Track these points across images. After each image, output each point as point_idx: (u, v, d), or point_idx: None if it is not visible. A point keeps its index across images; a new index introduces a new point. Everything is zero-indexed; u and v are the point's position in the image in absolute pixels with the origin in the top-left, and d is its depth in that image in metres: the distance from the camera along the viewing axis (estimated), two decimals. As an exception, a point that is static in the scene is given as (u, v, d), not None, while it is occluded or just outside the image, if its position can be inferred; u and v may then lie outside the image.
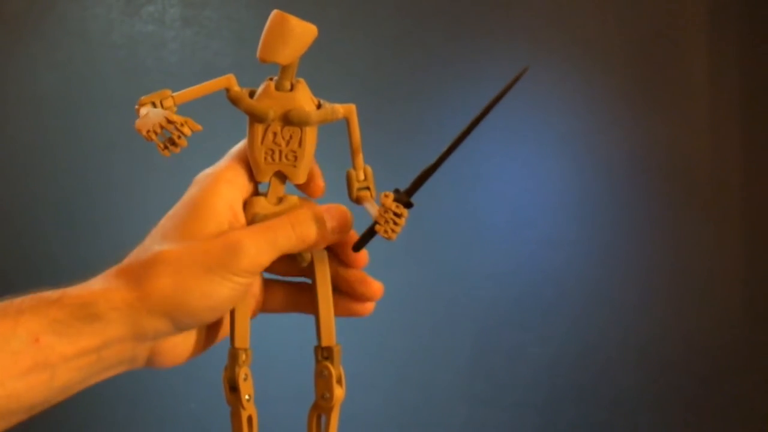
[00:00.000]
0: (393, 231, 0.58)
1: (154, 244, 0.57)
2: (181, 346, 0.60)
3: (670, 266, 1.53)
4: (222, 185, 0.59)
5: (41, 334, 0.53)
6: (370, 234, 0.60)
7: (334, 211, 0.61)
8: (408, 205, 0.58)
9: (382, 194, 0.59)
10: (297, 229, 0.59)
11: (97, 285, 0.55)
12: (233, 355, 0.62)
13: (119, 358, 0.56)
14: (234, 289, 0.56)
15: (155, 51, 1.47)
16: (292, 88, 0.60)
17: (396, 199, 0.59)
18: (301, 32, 0.57)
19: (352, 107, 0.62)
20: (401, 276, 1.51)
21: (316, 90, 0.62)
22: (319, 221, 0.60)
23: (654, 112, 1.52)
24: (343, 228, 0.62)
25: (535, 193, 1.51)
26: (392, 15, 1.49)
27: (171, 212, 0.59)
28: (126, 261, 0.57)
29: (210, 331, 0.62)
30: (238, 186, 0.60)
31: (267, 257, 0.57)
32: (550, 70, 1.50)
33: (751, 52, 1.51)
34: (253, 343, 0.62)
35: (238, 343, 0.62)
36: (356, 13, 1.48)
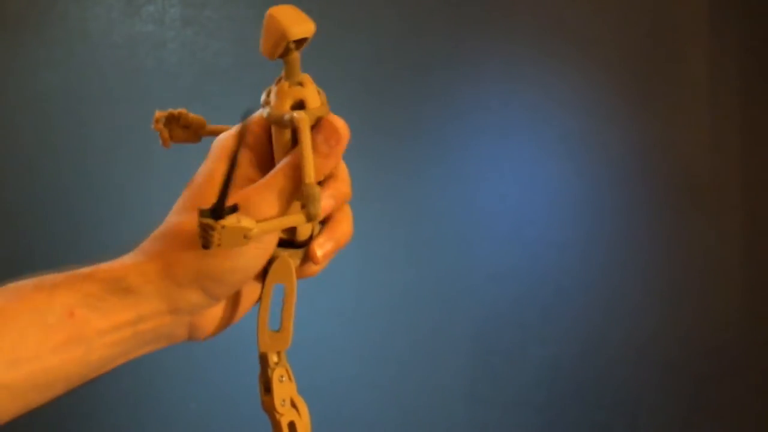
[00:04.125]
0: (210, 243, 0.54)
1: (172, 216, 0.57)
2: (218, 314, 0.59)
3: (669, 266, 1.53)
4: (225, 153, 0.58)
5: (76, 308, 0.53)
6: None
7: (327, 127, 0.58)
8: (223, 215, 0.53)
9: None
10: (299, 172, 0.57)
11: (128, 260, 0.55)
12: (261, 358, 0.59)
13: (157, 333, 0.56)
14: (255, 248, 0.55)
15: (155, 51, 1.48)
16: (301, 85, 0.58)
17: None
18: (277, 22, 0.55)
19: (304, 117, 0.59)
20: (401, 276, 1.51)
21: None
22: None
23: (654, 112, 1.52)
24: (330, 140, 0.58)
25: (535, 193, 1.52)
26: (392, 15, 1.49)
27: (189, 184, 0.58)
28: (151, 236, 0.57)
29: (244, 296, 0.60)
30: (250, 147, 0.59)
31: (277, 209, 0.56)
32: (550, 70, 1.50)
33: (751, 52, 1.51)
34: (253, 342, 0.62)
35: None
36: (356, 13, 1.48)
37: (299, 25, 0.55)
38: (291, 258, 0.60)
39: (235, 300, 0.59)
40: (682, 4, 1.51)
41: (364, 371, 1.51)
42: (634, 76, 1.52)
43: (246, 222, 0.53)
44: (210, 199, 0.53)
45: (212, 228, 0.52)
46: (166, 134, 0.60)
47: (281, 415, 0.58)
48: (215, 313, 0.58)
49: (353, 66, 1.47)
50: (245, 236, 0.53)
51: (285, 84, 0.58)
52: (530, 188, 1.51)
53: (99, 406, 1.46)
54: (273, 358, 0.59)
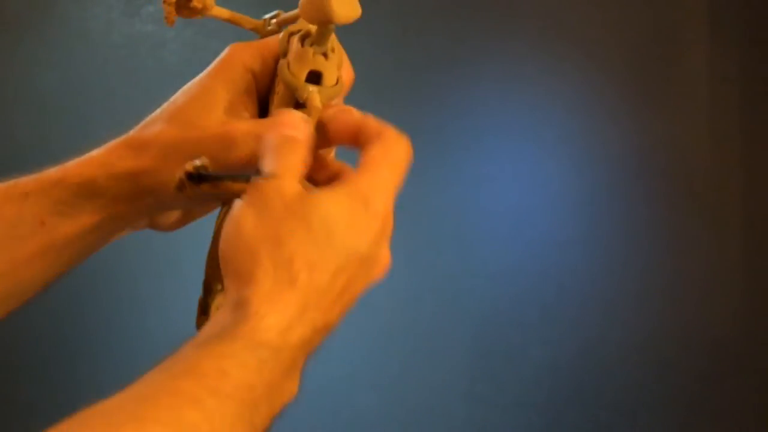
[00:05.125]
0: None
1: (156, 122, 0.56)
2: (176, 216, 0.59)
3: (669, 266, 1.53)
4: (228, 72, 0.57)
5: (46, 216, 0.54)
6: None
7: (339, 117, 0.55)
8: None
9: None
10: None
11: (98, 157, 0.56)
12: (206, 284, 0.59)
13: (120, 228, 0.57)
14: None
15: (155, 51, 1.47)
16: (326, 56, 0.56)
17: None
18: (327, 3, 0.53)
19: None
20: (401, 276, 1.51)
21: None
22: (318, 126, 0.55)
23: (654, 112, 1.52)
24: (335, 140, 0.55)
25: (535, 192, 1.52)
26: (392, 15, 1.49)
27: (180, 91, 0.57)
28: (131, 132, 0.56)
29: (201, 210, 0.61)
30: (255, 73, 0.58)
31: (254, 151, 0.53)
32: (550, 70, 1.50)
33: (751, 52, 1.51)
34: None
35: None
36: (356, 13, 1.48)
37: (348, 9, 0.54)
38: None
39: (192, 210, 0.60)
40: (682, 4, 1.51)
41: (364, 371, 1.51)
42: (634, 76, 1.52)
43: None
44: (195, 120, 0.53)
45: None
46: (172, 17, 0.60)
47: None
48: (174, 214, 0.59)
49: (353, 66, 1.47)
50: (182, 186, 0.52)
51: (309, 51, 0.56)
52: (530, 188, 1.51)
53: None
54: (217, 286, 0.58)
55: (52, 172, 0.56)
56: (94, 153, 0.56)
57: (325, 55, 0.56)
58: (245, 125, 0.54)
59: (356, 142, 0.53)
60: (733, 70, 1.51)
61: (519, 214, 1.51)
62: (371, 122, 0.53)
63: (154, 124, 0.56)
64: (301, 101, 0.55)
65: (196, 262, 0.62)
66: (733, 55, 1.51)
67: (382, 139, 0.52)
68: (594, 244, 1.52)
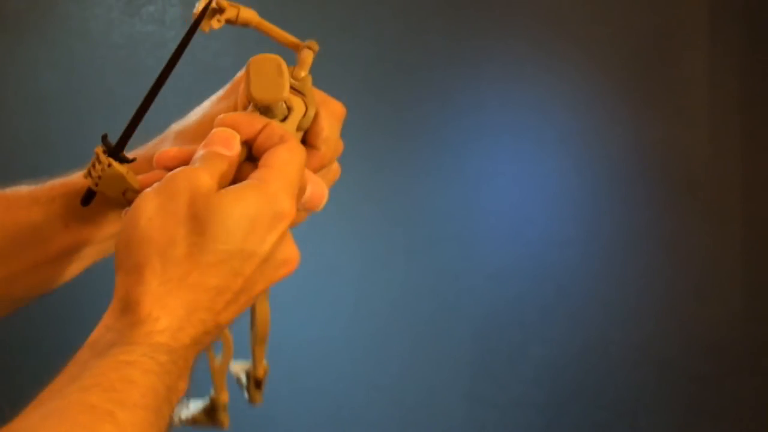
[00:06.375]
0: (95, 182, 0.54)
1: (167, 138, 0.59)
2: None
3: (669, 265, 1.53)
4: (233, 96, 0.59)
5: (70, 221, 0.56)
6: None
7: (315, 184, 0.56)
8: (118, 157, 0.54)
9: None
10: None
11: (122, 168, 0.56)
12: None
13: None
14: None
15: (155, 51, 1.47)
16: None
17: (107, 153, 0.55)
18: (246, 78, 0.56)
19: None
20: (401, 276, 1.51)
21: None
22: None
23: (654, 112, 1.52)
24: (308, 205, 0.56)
25: (535, 192, 1.52)
26: (392, 15, 1.49)
27: (194, 111, 0.60)
28: (149, 144, 0.59)
29: None
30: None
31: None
32: (550, 70, 1.50)
33: (751, 51, 1.51)
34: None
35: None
36: (356, 13, 1.48)
37: (265, 92, 0.55)
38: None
39: None
40: (683, 4, 1.51)
41: (364, 371, 1.51)
42: (634, 76, 1.52)
43: (131, 178, 0.53)
44: (195, 141, 0.54)
45: (99, 161, 0.53)
46: (206, 28, 0.60)
47: None
48: None
49: (353, 66, 1.47)
50: (124, 191, 0.53)
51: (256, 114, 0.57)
52: (530, 188, 1.51)
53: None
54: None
55: (77, 178, 0.58)
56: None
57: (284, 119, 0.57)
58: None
59: (260, 145, 0.53)
60: (733, 70, 1.51)
61: (519, 214, 1.51)
62: (276, 126, 0.54)
63: (165, 140, 0.59)
64: None
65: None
66: (733, 55, 1.51)
67: (286, 142, 0.53)
68: (594, 244, 1.52)
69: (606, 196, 1.52)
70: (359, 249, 1.50)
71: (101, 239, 0.57)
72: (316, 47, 0.60)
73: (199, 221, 0.48)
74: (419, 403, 1.52)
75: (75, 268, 0.58)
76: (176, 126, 0.59)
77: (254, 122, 0.54)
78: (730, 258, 1.53)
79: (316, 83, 0.62)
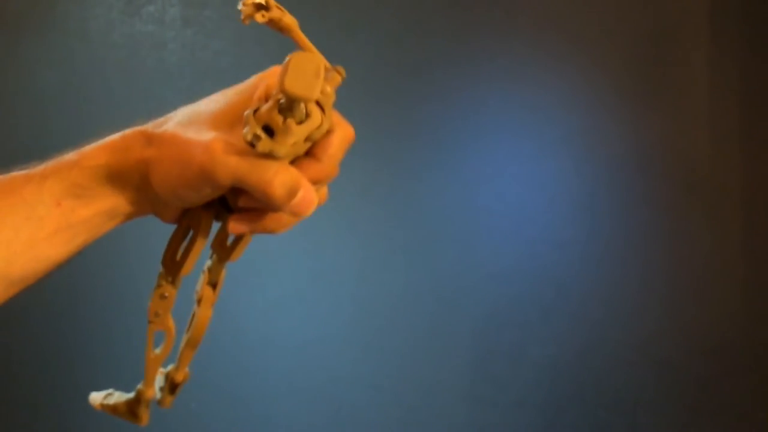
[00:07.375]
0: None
1: (170, 120, 0.59)
2: (172, 212, 0.61)
3: (669, 266, 1.53)
4: (247, 96, 0.59)
5: (62, 198, 0.57)
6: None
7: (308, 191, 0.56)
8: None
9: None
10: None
11: (113, 143, 0.59)
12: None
13: (126, 216, 0.60)
14: (209, 196, 0.57)
15: (155, 51, 1.47)
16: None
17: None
18: (282, 71, 0.55)
19: None
20: (401, 276, 1.51)
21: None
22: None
23: (654, 112, 1.52)
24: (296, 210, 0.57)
25: (535, 192, 1.52)
26: (392, 15, 1.49)
27: (205, 99, 0.60)
28: (149, 124, 0.59)
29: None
30: (261, 101, 0.59)
31: (231, 182, 0.56)
32: (551, 70, 1.50)
33: (751, 52, 1.51)
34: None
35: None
36: (356, 13, 1.48)
37: (301, 87, 0.54)
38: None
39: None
40: (683, 4, 1.51)
41: (363, 371, 1.51)
42: (634, 76, 1.52)
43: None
44: (197, 130, 0.56)
45: None
46: (247, 21, 0.60)
47: (150, 323, 0.62)
48: (171, 210, 0.61)
49: (353, 66, 1.47)
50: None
51: (275, 110, 0.56)
52: (530, 188, 1.51)
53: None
54: (168, 277, 0.62)
55: (70, 156, 0.59)
56: (110, 138, 0.60)
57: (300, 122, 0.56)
58: (233, 160, 0.55)
59: None
60: (733, 71, 1.51)
61: (519, 214, 1.51)
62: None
63: (168, 121, 0.59)
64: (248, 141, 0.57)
65: (196, 263, 0.62)
66: (733, 55, 1.51)
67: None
68: (594, 244, 1.52)
69: (606, 195, 1.52)
70: (359, 249, 1.50)
71: (95, 216, 0.58)
72: (343, 73, 0.60)
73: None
74: (419, 403, 1.52)
75: (69, 248, 0.59)
76: (182, 111, 0.59)
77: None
78: (730, 258, 1.53)
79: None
